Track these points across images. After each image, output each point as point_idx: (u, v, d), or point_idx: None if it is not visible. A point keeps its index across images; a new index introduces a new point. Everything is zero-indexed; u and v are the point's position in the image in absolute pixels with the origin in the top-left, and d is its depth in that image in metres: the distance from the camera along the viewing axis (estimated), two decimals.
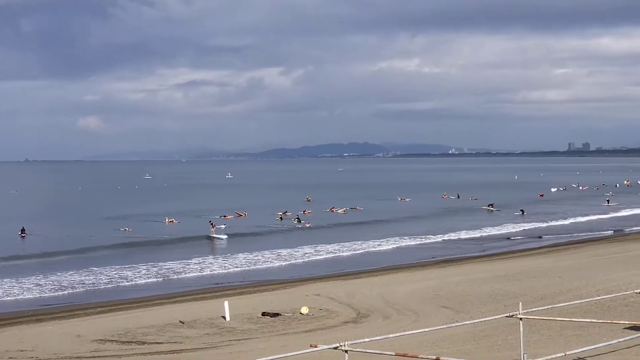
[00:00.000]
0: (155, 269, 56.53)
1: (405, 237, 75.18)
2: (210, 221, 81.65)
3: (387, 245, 70.64)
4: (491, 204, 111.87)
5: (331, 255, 64.71)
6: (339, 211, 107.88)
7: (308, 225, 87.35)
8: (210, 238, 75.39)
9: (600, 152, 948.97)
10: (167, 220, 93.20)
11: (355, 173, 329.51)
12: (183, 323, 34.45)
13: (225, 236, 75.99)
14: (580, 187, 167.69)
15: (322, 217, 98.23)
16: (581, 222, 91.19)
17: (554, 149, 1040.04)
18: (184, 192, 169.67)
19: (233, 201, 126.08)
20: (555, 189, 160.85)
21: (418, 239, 74.06)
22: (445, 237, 76.50)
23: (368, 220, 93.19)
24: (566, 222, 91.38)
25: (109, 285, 50.28)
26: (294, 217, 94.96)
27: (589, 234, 77.68)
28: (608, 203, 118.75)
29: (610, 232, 78.07)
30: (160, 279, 52.81)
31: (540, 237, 74.03)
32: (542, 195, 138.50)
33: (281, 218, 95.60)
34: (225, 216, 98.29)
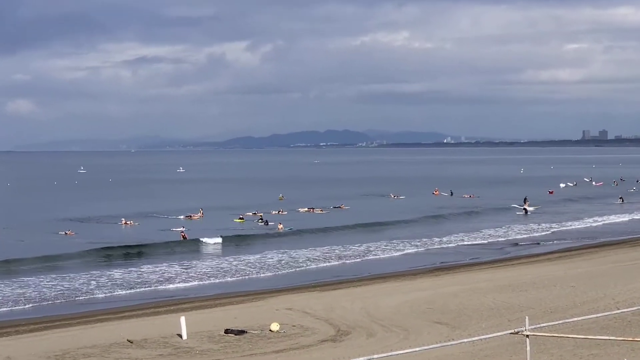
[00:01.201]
0: (99, 279, 56.24)
1: (396, 241, 75.38)
2: (182, 232, 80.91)
3: (376, 251, 70.57)
4: (524, 206, 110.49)
5: (306, 262, 64.58)
6: (317, 211, 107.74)
7: (279, 227, 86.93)
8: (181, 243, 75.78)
9: (619, 141, 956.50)
10: (123, 222, 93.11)
11: (334, 166, 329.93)
12: (132, 342, 34.29)
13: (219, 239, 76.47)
14: (594, 183, 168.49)
15: (299, 219, 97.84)
16: (596, 224, 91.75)
17: (566, 138, 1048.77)
18: (132, 189, 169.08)
19: (180, 201, 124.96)
20: (564, 185, 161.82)
21: (413, 244, 74.23)
22: (444, 240, 76.84)
23: (356, 222, 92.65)
24: (577, 223, 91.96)
25: (45, 300, 49.88)
26: (257, 219, 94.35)
27: (606, 238, 78.15)
28: (622, 201, 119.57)
29: (630, 236, 78.50)
30: (105, 291, 52.51)
31: (538, 244, 74.00)
32: (552, 193, 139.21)
33: (241, 220, 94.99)
34: (190, 216, 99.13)
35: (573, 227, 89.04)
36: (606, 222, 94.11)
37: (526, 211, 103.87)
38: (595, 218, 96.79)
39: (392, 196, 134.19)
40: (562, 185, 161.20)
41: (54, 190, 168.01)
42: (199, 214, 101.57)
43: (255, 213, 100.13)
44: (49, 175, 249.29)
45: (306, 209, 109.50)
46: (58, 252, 69.58)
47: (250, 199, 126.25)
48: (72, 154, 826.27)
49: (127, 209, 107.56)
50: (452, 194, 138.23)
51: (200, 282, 55.80)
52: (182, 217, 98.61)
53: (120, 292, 52.33)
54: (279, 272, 59.78)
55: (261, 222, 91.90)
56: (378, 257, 67.73)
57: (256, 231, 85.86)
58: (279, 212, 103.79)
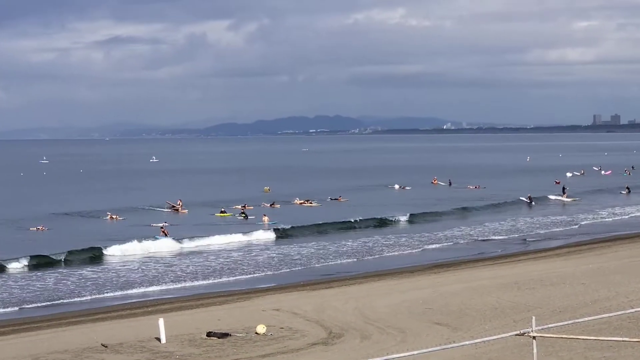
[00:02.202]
0: (70, 278, 56.33)
1: (413, 236, 76.19)
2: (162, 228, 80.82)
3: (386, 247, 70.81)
4: (562, 197, 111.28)
5: (295, 258, 64.69)
6: (313, 204, 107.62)
7: (264, 219, 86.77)
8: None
9: (633, 126, 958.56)
10: (109, 216, 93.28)
11: (325, 155, 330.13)
12: (106, 347, 34.33)
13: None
14: (603, 172, 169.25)
15: (291, 212, 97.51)
16: (606, 217, 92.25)
17: (576, 123, 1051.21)
18: (107, 180, 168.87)
19: (151, 194, 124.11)
20: (571, 174, 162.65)
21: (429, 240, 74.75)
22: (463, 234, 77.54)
23: (356, 216, 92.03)
24: (585, 215, 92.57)
25: (12, 302, 49.79)
26: (239, 212, 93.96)
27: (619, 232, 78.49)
28: (628, 192, 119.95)
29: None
30: (78, 292, 52.48)
31: (524, 240, 74.18)
32: (558, 183, 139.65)
33: (224, 214, 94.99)
34: (173, 206, 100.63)
35: (578, 217, 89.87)
36: (618, 212, 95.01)
37: (531, 200, 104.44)
38: (603, 211, 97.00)
39: (398, 187, 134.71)
40: (568, 174, 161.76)
41: (20, 183, 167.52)
42: (178, 205, 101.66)
43: (244, 206, 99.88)
44: (11, 166, 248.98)
45: (302, 201, 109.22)
46: (28, 250, 69.59)
47: (231, 192, 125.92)
48: (39, 142, 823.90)
49: (102, 203, 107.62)
50: (450, 183, 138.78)
51: (181, 281, 55.77)
52: (165, 209, 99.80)
53: (95, 293, 52.28)
54: (266, 270, 59.83)
55: (241, 217, 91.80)
56: (392, 254, 67.67)
57: (238, 225, 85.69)
58: (271, 204, 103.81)
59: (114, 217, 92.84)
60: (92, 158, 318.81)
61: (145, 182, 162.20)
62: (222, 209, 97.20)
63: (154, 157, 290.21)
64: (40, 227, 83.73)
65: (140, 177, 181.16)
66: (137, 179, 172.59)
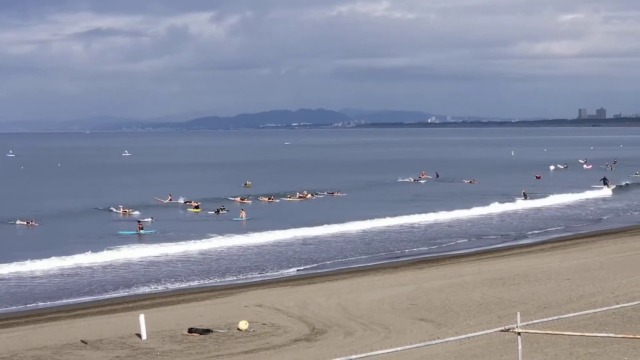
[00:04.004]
0: (50, 272, 56.25)
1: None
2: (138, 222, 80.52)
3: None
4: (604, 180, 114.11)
5: (279, 250, 64.68)
6: (308, 196, 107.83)
7: (242, 214, 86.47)
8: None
9: (619, 120, 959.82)
10: (121, 209, 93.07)
11: (308, 149, 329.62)
12: (86, 343, 34.23)
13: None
14: (585, 165, 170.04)
15: (272, 209, 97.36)
16: (583, 209, 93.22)
17: (561, 117, 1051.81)
18: (84, 174, 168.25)
19: (115, 191, 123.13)
20: (554, 167, 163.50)
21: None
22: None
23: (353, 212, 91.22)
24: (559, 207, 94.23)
25: None
26: (217, 209, 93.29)
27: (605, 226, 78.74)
28: (605, 184, 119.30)
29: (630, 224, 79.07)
30: (57, 287, 52.30)
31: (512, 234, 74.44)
32: (539, 177, 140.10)
33: (197, 209, 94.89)
34: (190, 202, 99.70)
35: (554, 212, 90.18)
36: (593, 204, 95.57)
37: (525, 195, 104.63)
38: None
39: (415, 179, 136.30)
40: (551, 167, 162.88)
41: None
42: (167, 200, 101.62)
43: (243, 200, 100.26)
44: None
45: (298, 196, 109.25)
46: (10, 245, 69.49)
47: (208, 187, 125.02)
48: (15, 136, 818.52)
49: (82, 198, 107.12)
50: (437, 176, 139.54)
51: (162, 277, 55.59)
52: (181, 200, 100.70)
53: (74, 288, 52.11)
54: (248, 265, 59.70)
55: (211, 212, 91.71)
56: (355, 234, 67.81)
57: (217, 222, 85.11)
58: (269, 199, 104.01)
59: (127, 210, 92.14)
60: (65, 152, 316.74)
61: (109, 179, 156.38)
62: (196, 204, 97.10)
63: (126, 152, 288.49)
64: (31, 222, 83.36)
65: (108, 173, 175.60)
66: (104, 175, 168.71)
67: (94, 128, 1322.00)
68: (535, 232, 74.96)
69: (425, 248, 66.37)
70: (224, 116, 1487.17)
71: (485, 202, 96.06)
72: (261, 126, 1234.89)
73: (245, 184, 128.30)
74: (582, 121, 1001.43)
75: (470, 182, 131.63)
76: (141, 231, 76.01)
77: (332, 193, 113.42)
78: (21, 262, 58.43)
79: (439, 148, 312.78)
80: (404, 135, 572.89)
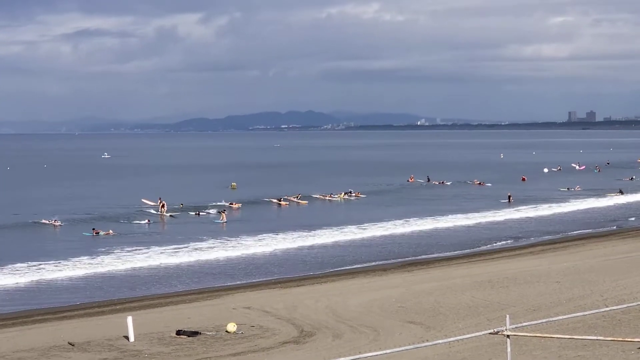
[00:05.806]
0: (37, 273, 56.21)
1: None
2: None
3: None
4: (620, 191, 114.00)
5: (266, 253, 64.67)
6: (334, 197, 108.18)
7: (222, 215, 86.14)
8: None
9: (609, 123, 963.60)
10: (159, 203, 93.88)
11: (297, 150, 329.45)
12: (73, 345, 34.19)
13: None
14: (577, 167, 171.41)
15: (263, 212, 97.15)
16: (579, 212, 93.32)
17: (551, 120, 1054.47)
18: (70, 175, 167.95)
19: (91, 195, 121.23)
20: (548, 170, 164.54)
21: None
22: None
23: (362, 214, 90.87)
24: (556, 211, 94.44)
25: None
26: (197, 211, 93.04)
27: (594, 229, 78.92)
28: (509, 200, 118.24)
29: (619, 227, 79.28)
30: (41, 287, 52.26)
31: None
32: (524, 179, 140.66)
33: (197, 213, 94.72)
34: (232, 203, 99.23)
35: (548, 213, 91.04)
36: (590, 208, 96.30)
37: (510, 198, 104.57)
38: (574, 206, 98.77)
39: (435, 182, 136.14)
40: (545, 170, 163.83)
41: None
42: (158, 203, 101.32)
43: (231, 204, 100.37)
44: None
45: (320, 195, 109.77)
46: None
47: (192, 189, 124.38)
48: (1, 137, 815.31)
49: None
50: (428, 180, 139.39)
51: (149, 280, 55.58)
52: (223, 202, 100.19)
53: (61, 290, 52.09)
54: (236, 267, 59.73)
55: (193, 213, 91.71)
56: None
57: (198, 224, 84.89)
58: (297, 197, 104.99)
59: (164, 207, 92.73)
60: (44, 153, 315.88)
61: (85, 181, 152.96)
62: (181, 204, 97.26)
63: (105, 154, 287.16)
64: (55, 222, 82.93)
65: (80, 177, 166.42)
66: (80, 177, 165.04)
67: (82, 129, 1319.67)
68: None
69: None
70: (212, 117, 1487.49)
71: (477, 207, 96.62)
72: (250, 128, 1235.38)
73: (231, 186, 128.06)
74: (572, 124, 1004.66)
75: (480, 183, 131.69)
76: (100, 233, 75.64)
77: (349, 193, 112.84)
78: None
79: (430, 150, 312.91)
80: (393, 138, 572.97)
